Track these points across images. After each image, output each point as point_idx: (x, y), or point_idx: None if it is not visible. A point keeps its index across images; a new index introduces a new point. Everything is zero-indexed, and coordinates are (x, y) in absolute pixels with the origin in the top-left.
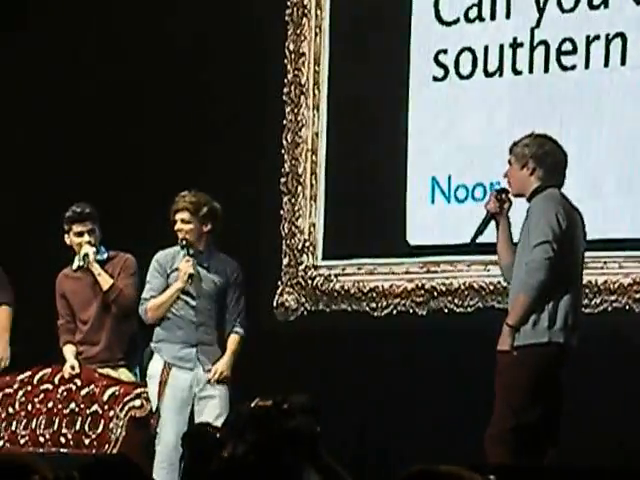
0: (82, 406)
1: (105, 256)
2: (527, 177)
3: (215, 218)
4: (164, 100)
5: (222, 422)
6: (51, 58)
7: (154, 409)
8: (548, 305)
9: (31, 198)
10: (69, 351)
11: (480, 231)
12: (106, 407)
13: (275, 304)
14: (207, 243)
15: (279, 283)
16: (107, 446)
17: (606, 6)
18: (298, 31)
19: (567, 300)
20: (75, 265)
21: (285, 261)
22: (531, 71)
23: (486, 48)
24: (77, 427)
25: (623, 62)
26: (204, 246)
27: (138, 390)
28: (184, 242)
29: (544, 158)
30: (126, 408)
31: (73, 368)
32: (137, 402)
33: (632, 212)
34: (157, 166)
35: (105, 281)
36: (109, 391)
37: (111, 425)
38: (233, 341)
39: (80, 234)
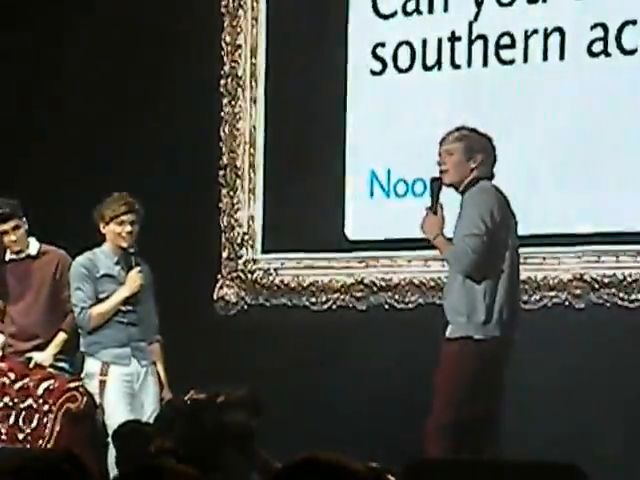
0: (16, 400)
1: (35, 251)
2: (469, 169)
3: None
4: (95, 95)
5: (155, 416)
6: None
7: (97, 404)
8: (485, 299)
9: None
10: None
11: (436, 200)
12: (40, 401)
13: (215, 297)
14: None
15: (219, 276)
16: (42, 441)
17: (544, 0)
18: (234, 23)
19: (502, 295)
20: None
21: (225, 254)
22: (470, 65)
23: (424, 42)
24: (11, 421)
25: (562, 56)
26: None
27: (73, 384)
28: (133, 249)
29: (486, 151)
30: (60, 402)
31: None
32: (72, 396)
33: (571, 207)
34: (90, 164)
35: None
36: (43, 385)
37: (46, 419)
38: (158, 351)
39: (5, 233)
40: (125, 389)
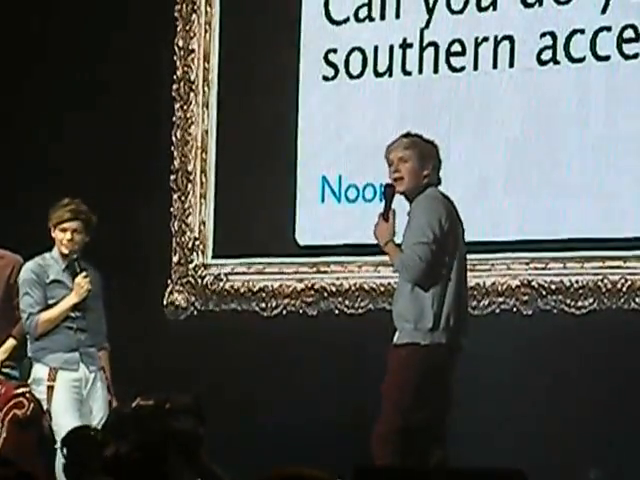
0: None
1: None
2: (422, 176)
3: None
4: (47, 98)
5: (103, 423)
6: None
7: (44, 410)
8: (432, 306)
9: None
10: None
11: (389, 206)
12: None
13: (165, 303)
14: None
15: (169, 281)
16: None
17: (494, 8)
18: (187, 27)
19: (450, 301)
20: None
21: (175, 259)
22: (420, 72)
23: (376, 48)
24: None
25: (511, 64)
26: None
27: (20, 390)
28: (75, 255)
29: (435, 157)
30: (6, 408)
31: None
32: (19, 402)
33: (519, 214)
34: (41, 167)
35: None
36: None
37: None
38: (106, 358)
39: None
40: (73, 394)
